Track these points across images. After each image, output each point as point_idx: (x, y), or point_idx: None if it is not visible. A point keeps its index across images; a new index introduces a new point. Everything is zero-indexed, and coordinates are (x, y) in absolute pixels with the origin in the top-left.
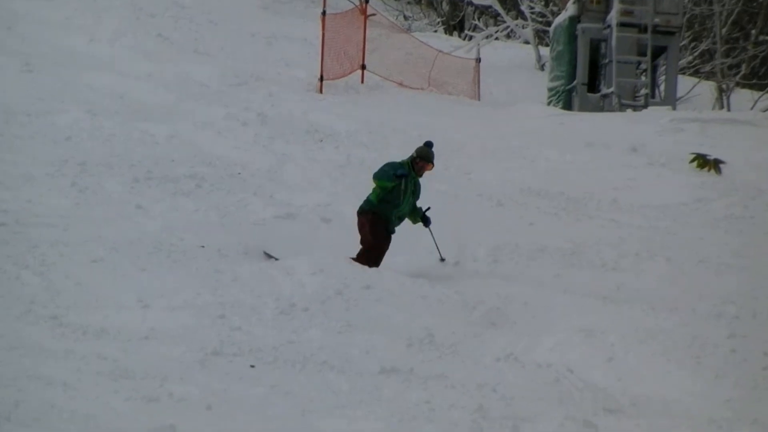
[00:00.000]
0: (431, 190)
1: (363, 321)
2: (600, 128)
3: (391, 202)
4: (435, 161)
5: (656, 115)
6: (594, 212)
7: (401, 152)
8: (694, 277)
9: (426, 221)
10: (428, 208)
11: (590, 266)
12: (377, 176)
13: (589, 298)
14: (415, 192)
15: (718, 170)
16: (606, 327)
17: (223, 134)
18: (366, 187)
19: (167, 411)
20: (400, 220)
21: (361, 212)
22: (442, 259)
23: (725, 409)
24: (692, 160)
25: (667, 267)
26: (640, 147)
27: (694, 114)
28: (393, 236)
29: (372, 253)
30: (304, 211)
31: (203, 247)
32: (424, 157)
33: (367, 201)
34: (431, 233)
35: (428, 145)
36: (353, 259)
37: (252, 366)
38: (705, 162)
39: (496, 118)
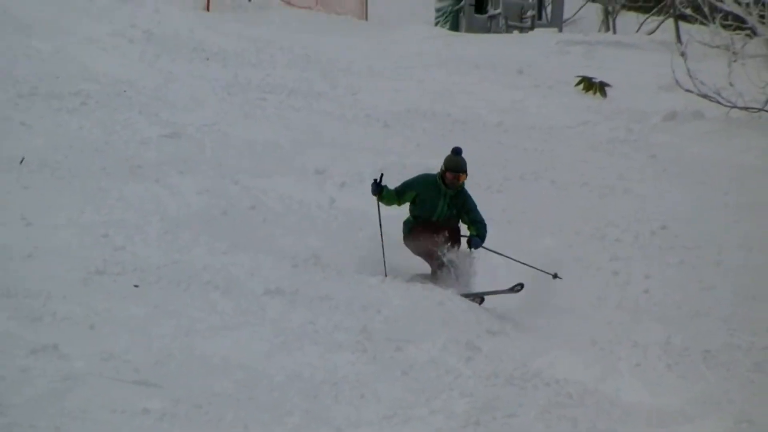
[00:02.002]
0: (318, 111)
1: (248, 241)
2: (487, 50)
3: (423, 216)
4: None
5: (543, 37)
6: (480, 134)
7: (288, 72)
8: (578, 199)
9: (474, 244)
10: (478, 247)
11: (476, 188)
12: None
13: None
14: (455, 206)
15: (603, 93)
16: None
17: (109, 51)
18: (253, 106)
19: (50, 330)
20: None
21: (404, 238)
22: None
23: (607, 330)
24: (578, 83)
25: (551, 189)
26: (527, 69)
27: (581, 36)
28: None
29: (431, 263)
30: (190, 130)
31: None
32: (451, 168)
33: (405, 224)
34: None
35: (455, 152)
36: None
37: (136, 285)
38: (590, 85)
39: (383, 39)
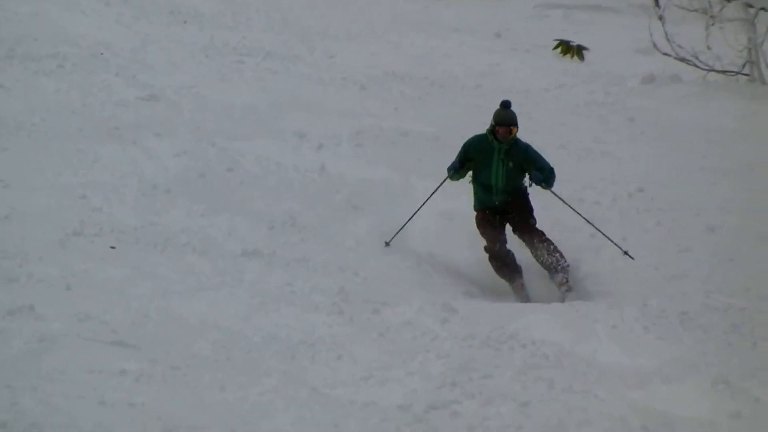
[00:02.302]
0: (295, 74)
1: (225, 203)
2: (465, 14)
3: (483, 184)
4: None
5: (520, 1)
6: (457, 97)
7: (264, 35)
8: (555, 162)
9: (543, 183)
10: (548, 187)
11: (453, 151)
12: (448, 173)
13: (451, 183)
14: (512, 158)
15: (581, 57)
16: (467, 211)
17: (87, 13)
18: (230, 69)
19: (26, 291)
20: (506, 194)
21: (475, 210)
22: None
23: (584, 292)
24: (556, 47)
25: None
26: (504, 33)
27: (558, 0)
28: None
29: (493, 252)
30: (168, 92)
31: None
32: (499, 122)
33: (474, 195)
34: (558, 197)
35: (504, 105)
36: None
37: (113, 247)
38: (568, 48)
39: (361, 2)
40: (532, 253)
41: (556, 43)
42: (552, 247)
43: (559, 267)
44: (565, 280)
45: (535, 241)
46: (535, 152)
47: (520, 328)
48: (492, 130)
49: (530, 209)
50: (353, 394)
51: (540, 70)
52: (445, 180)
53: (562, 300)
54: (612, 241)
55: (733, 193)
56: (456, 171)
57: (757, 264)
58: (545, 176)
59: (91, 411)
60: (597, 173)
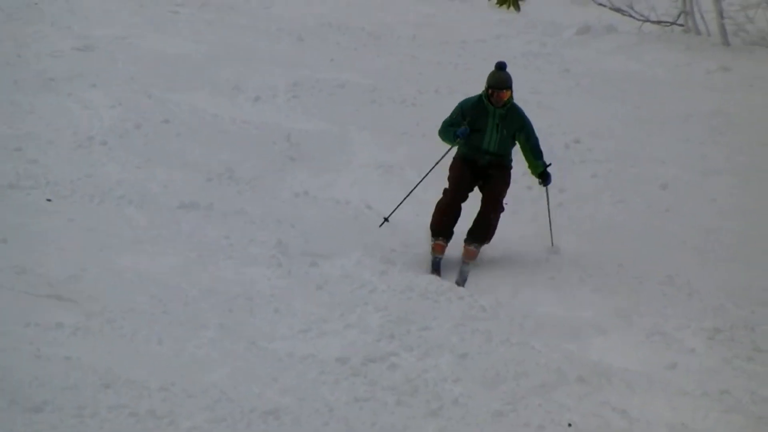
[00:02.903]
0: (231, 24)
1: (162, 156)
2: None
3: (473, 144)
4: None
5: None
6: (394, 48)
7: None
8: None
9: (545, 179)
10: (549, 164)
11: (390, 102)
12: (439, 133)
13: (389, 134)
14: (507, 125)
15: (517, 7)
16: (404, 163)
17: None
18: (165, 20)
19: None
20: (494, 157)
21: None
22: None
23: (520, 244)
24: None
25: None
26: None
27: None
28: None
29: (443, 200)
30: (103, 43)
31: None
32: (493, 84)
33: (459, 147)
34: (547, 198)
35: (499, 66)
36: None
37: (49, 200)
38: None
39: None
40: (478, 213)
41: None
42: (492, 224)
43: (479, 238)
44: (473, 253)
45: (488, 208)
46: (531, 125)
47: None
48: (486, 93)
49: (505, 185)
50: (291, 347)
51: (476, 21)
52: (449, 150)
53: (460, 276)
54: (550, 223)
55: (667, 144)
56: (464, 133)
57: (693, 215)
58: (544, 168)
59: (28, 364)
60: (533, 124)
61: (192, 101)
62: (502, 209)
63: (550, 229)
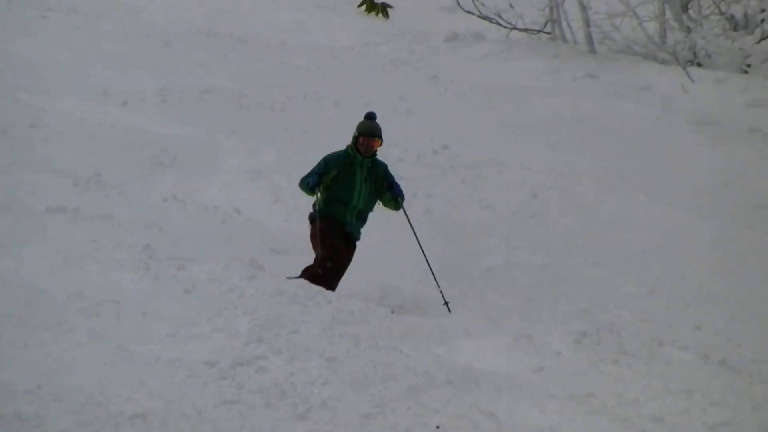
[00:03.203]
0: (99, 29)
1: (29, 160)
2: None
3: (341, 200)
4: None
5: None
6: (262, 54)
7: None
8: (359, 119)
9: (395, 191)
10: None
11: (258, 107)
12: (301, 185)
13: (257, 139)
14: (373, 179)
15: (385, 14)
16: (273, 168)
17: None
18: (34, 24)
19: None
20: (363, 220)
21: (311, 221)
22: (444, 302)
23: (388, 249)
24: (360, 4)
25: (334, 109)
26: None
27: None
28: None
29: (326, 268)
30: None
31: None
32: (364, 132)
33: (314, 206)
34: (406, 215)
35: (369, 117)
36: (299, 276)
37: None
38: (373, 6)
39: None
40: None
41: (361, 0)
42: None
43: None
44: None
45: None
46: (390, 173)
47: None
48: (354, 143)
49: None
50: (159, 350)
51: (345, 28)
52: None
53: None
54: (438, 287)
55: (534, 151)
56: (313, 188)
57: (559, 221)
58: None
59: None
60: (402, 131)
61: (59, 106)
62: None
63: (418, 241)
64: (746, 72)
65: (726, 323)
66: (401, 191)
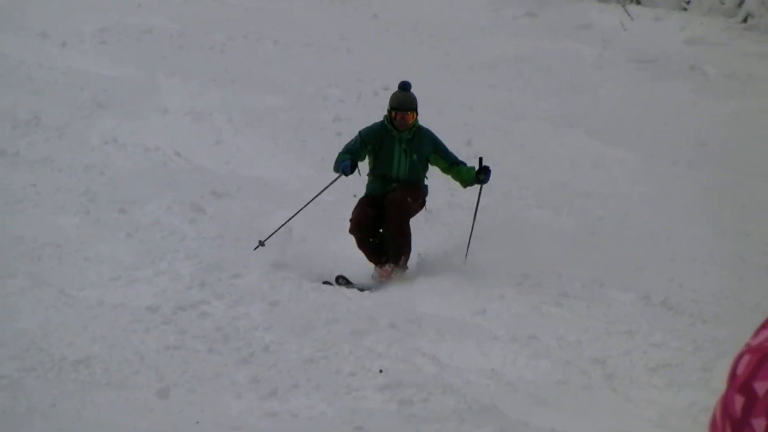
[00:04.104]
0: None
1: None
2: None
3: (379, 175)
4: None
5: None
6: None
7: None
8: (300, 60)
9: (485, 173)
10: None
11: (199, 48)
12: (334, 165)
13: (198, 80)
14: (416, 149)
15: None
16: (213, 109)
17: None
18: None
19: None
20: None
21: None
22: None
23: (330, 191)
24: None
25: (274, 50)
26: None
27: None
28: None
29: (352, 224)
30: None
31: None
32: (396, 106)
33: (367, 185)
34: (477, 203)
35: (402, 87)
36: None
37: None
38: None
39: None
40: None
41: None
42: (402, 235)
43: (392, 256)
44: (386, 272)
45: (392, 220)
46: (442, 144)
47: (270, 225)
48: (388, 116)
49: (410, 193)
50: (101, 295)
51: None
52: (336, 179)
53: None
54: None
55: (475, 89)
56: (350, 166)
57: (501, 162)
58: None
59: None
60: (342, 71)
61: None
62: (413, 211)
63: (471, 231)
64: (685, 9)
65: (667, 263)
66: (489, 177)
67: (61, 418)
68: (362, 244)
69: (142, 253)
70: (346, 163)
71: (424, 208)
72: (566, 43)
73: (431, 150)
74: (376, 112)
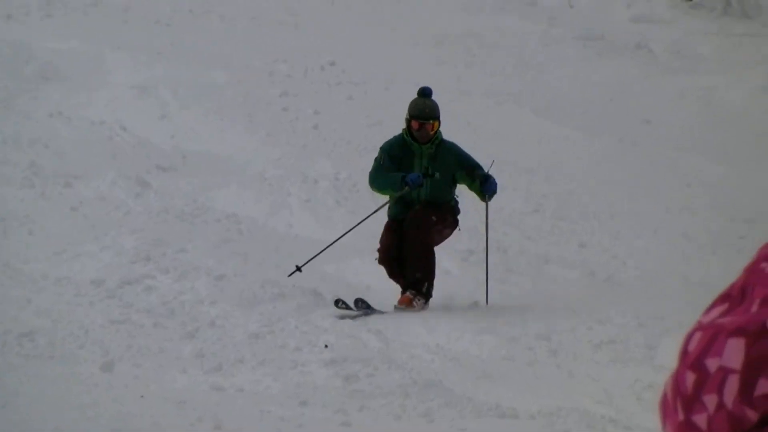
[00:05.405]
0: None
1: None
2: None
3: (402, 197)
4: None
5: None
6: None
7: None
8: (246, 34)
9: (485, 188)
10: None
11: (144, 21)
12: (376, 186)
13: (144, 54)
14: (441, 166)
15: None
16: (159, 83)
17: None
18: None
19: None
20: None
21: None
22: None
23: (277, 166)
24: None
25: (221, 24)
26: None
27: None
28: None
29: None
30: None
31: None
32: (417, 115)
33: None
34: (486, 217)
35: (423, 93)
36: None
37: None
38: None
39: None
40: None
41: None
42: (424, 263)
43: (413, 284)
44: (406, 299)
45: (413, 248)
46: (469, 158)
47: (215, 201)
48: (407, 126)
49: (440, 212)
50: (46, 268)
51: None
52: (384, 205)
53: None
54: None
55: (422, 66)
56: (417, 182)
57: (447, 137)
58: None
59: None
60: (289, 46)
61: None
62: (438, 232)
63: (486, 238)
64: None
65: (612, 240)
66: (491, 187)
67: (4, 391)
68: (393, 275)
69: (86, 228)
70: (415, 175)
71: (457, 228)
72: (512, 19)
73: (457, 167)
74: (323, 87)
